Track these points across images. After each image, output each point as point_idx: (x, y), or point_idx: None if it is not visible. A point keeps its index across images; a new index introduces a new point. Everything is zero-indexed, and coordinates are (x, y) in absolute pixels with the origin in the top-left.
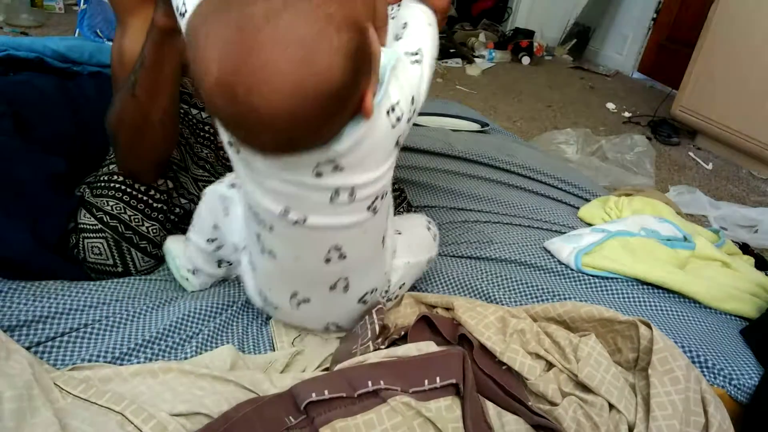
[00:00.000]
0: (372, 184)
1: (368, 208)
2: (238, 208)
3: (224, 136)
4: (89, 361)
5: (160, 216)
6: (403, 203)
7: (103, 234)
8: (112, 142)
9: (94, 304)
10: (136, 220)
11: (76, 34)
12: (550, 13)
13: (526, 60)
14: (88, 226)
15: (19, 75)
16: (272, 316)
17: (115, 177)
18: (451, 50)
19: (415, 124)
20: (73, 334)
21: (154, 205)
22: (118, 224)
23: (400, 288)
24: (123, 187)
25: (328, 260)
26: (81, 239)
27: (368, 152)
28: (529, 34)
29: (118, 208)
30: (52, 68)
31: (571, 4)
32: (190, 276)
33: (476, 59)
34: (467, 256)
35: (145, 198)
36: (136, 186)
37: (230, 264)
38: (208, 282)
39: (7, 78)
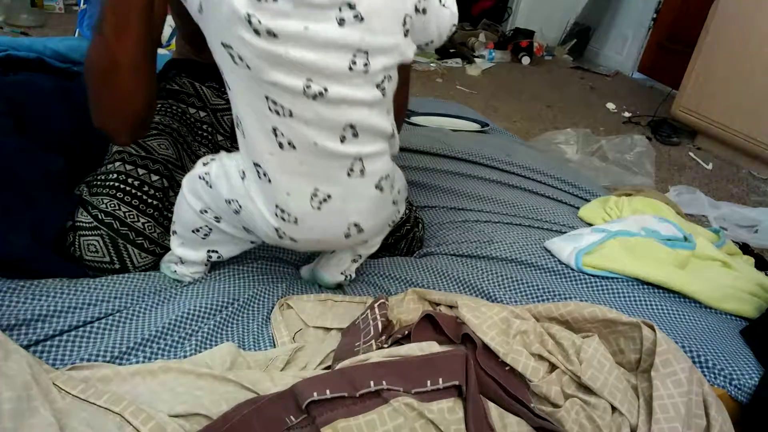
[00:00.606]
0: (385, 53)
1: (378, 86)
2: (220, 177)
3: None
4: (89, 360)
5: (155, 213)
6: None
7: (99, 231)
8: (87, 91)
9: (93, 303)
10: (131, 217)
11: (76, 35)
12: (550, 13)
13: (526, 60)
14: (84, 224)
15: (19, 75)
16: (292, 241)
17: (111, 175)
18: (451, 50)
19: (415, 124)
20: (73, 333)
21: (149, 201)
22: (113, 221)
23: (404, 202)
24: (117, 184)
25: (343, 138)
26: (77, 237)
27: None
28: (529, 34)
29: (112, 205)
30: (53, 68)
31: (571, 4)
32: (178, 267)
33: (476, 59)
34: (468, 255)
35: (139, 194)
36: (130, 181)
37: (218, 254)
38: (199, 270)
39: (6, 77)
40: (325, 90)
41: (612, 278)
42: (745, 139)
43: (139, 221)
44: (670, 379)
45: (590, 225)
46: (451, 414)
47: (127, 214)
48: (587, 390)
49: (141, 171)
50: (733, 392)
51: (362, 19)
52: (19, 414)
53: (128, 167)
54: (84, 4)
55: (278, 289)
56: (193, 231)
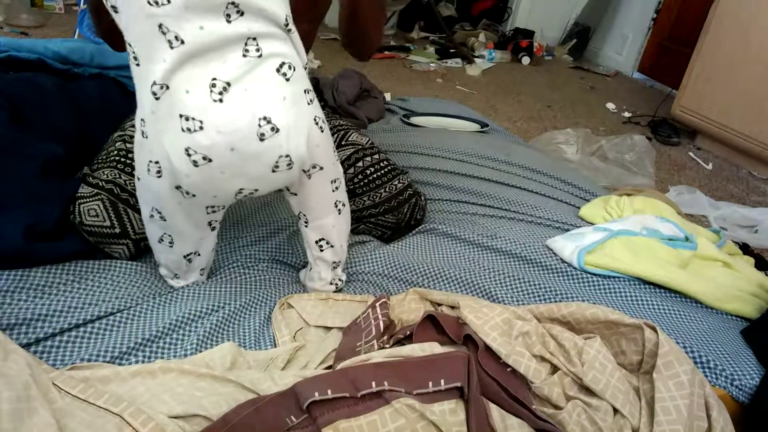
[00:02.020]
0: None
1: None
2: (137, 156)
3: None
4: (89, 360)
5: None
6: (405, 174)
7: (99, 196)
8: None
9: (93, 303)
10: (131, 184)
11: (76, 35)
12: (550, 13)
13: (526, 60)
14: (85, 193)
15: (19, 74)
16: (206, 160)
17: (111, 153)
18: (451, 50)
19: (415, 125)
20: (73, 332)
21: None
22: (113, 187)
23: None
24: (117, 158)
25: (228, 17)
26: (77, 205)
27: None
28: (529, 34)
29: (112, 174)
30: (53, 70)
31: (571, 4)
32: (177, 281)
33: (476, 59)
34: (472, 241)
35: None
36: (130, 156)
37: (197, 254)
38: (196, 273)
39: (6, 75)
40: None
41: (614, 277)
42: (745, 139)
43: None
44: (672, 381)
45: (591, 224)
46: (452, 415)
47: (127, 181)
48: (589, 392)
49: None
50: (734, 393)
51: None
52: (18, 414)
53: (128, 146)
54: (84, 4)
55: (278, 289)
56: (158, 241)
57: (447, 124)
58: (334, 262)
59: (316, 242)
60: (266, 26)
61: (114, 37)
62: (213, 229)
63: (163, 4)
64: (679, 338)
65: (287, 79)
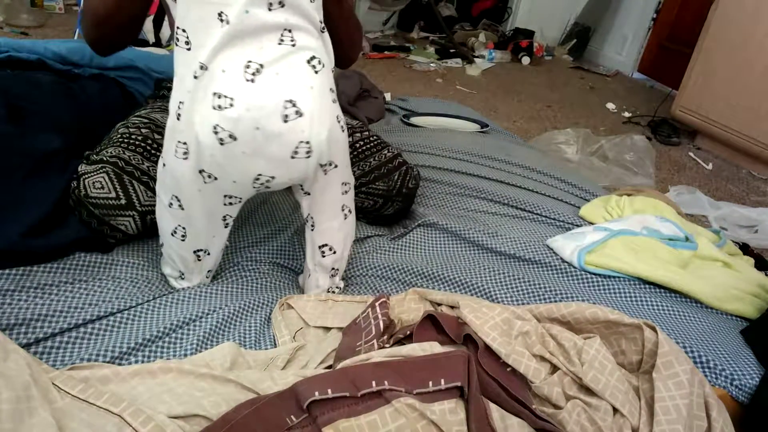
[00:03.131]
0: None
1: None
2: (167, 136)
3: None
4: (89, 360)
5: (157, 161)
6: (394, 147)
7: (104, 169)
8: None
9: (94, 302)
10: (136, 159)
11: (76, 35)
12: (550, 13)
13: (526, 60)
14: (89, 169)
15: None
16: (232, 138)
17: (114, 135)
18: (451, 50)
19: (415, 125)
20: (73, 333)
21: (152, 150)
22: (117, 161)
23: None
24: (121, 139)
25: (270, 5)
26: (81, 181)
27: None
28: (529, 34)
29: (116, 151)
30: (53, 70)
31: (571, 4)
32: (181, 282)
33: (476, 59)
34: (472, 240)
35: (143, 145)
36: (133, 138)
37: (207, 253)
38: (201, 275)
39: (4, 72)
40: None
41: (614, 277)
42: (745, 139)
43: (143, 164)
44: (672, 381)
45: (591, 223)
46: (452, 415)
47: (131, 157)
48: (589, 391)
49: (144, 130)
50: (734, 392)
51: None
52: (18, 414)
53: (132, 129)
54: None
55: (278, 292)
56: (171, 234)
57: (447, 124)
58: (334, 269)
59: (320, 247)
60: (302, 21)
61: (112, 41)
62: (226, 225)
63: None
64: (678, 338)
65: (316, 72)
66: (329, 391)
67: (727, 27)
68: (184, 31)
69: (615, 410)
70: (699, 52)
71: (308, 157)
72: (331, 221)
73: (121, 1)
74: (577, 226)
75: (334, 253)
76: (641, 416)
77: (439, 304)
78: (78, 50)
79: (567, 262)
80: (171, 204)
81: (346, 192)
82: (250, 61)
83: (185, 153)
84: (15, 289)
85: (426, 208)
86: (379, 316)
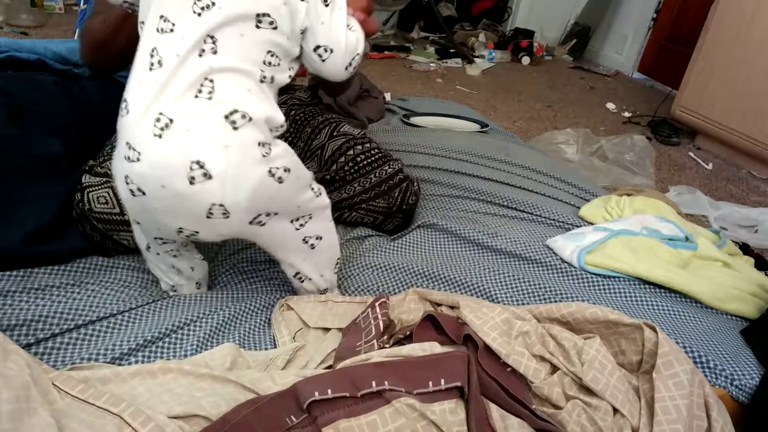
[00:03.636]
0: None
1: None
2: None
3: None
4: (89, 360)
5: None
6: (397, 160)
7: (109, 184)
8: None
9: (95, 304)
10: None
11: (76, 35)
12: (550, 13)
13: (526, 60)
14: (93, 182)
15: (18, 72)
16: (140, 192)
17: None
18: (451, 50)
19: (415, 125)
20: (74, 333)
21: None
22: None
23: (299, 187)
24: None
25: (202, 52)
26: (85, 194)
27: None
28: (529, 34)
29: None
30: (54, 71)
31: (571, 4)
32: (173, 292)
33: (476, 59)
34: (472, 240)
35: None
36: None
37: (175, 269)
38: (192, 286)
39: (4, 73)
40: (212, 4)
41: (614, 277)
42: (745, 139)
43: None
44: (672, 381)
45: (591, 224)
46: (452, 415)
47: None
48: (589, 392)
49: None
50: (734, 393)
51: None
52: (18, 414)
53: None
54: (84, 4)
55: (278, 292)
56: (146, 249)
57: (447, 124)
58: (321, 291)
59: (294, 276)
60: (230, 71)
61: (109, 64)
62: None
63: (165, 32)
64: (678, 338)
65: (234, 128)
66: (329, 391)
67: (727, 27)
68: (135, 62)
69: (615, 410)
70: (699, 52)
71: (226, 217)
72: (294, 256)
73: (119, 25)
74: (577, 226)
75: (311, 279)
76: (641, 416)
77: (439, 305)
78: (78, 50)
79: (567, 262)
80: (134, 220)
81: (302, 225)
82: (161, 114)
83: (132, 192)
84: (16, 290)
85: (426, 210)
86: (379, 316)
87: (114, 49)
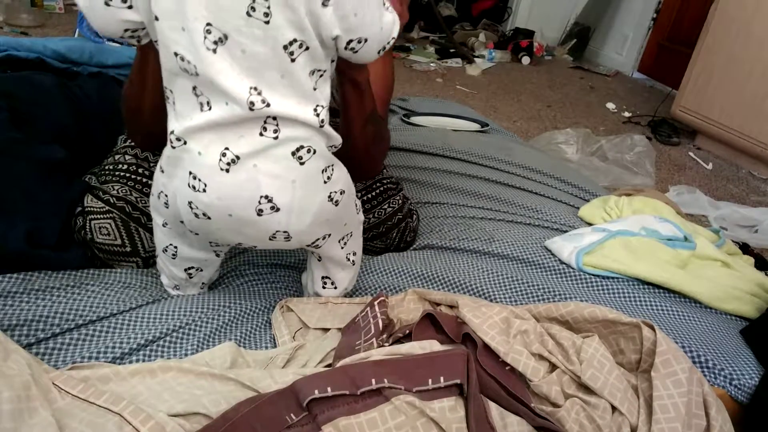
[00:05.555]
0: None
1: (285, 48)
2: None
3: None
4: (89, 360)
5: None
6: (397, 194)
7: (111, 214)
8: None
9: (95, 304)
10: (143, 202)
11: (76, 35)
12: (550, 13)
13: (526, 60)
14: (96, 209)
15: (18, 73)
16: (206, 217)
17: (120, 165)
18: (451, 50)
19: (415, 125)
20: (74, 333)
21: None
22: (125, 205)
23: (351, 211)
24: (127, 174)
25: (251, 104)
26: (88, 221)
27: None
28: (529, 34)
29: (123, 191)
30: (53, 69)
31: (571, 4)
32: (176, 291)
33: (476, 59)
34: (469, 250)
35: (150, 182)
36: (140, 171)
37: (199, 270)
38: (196, 288)
39: (5, 74)
40: (225, 37)
41: (612, 278)
42: (745, 139)
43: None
44: (670, 380)
45: (590, 224)
46: (452, 413)
47: (138, 199)
48: (587, 390)
49: (152, 164)
50: (733, 392)
51: None
52: (18, 414)
53: (140, 160)
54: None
55: (278, 294)
56: (163, 251)
57: (447, 123)
58: (337, 296)
59: (322, 278)
60: (290, 109)
61: (151, 131)
62: (218, 255)
63: (192, 74)
64: (677, 338)
65: (302, 163)
66: (329, 389)
67: (727, 27)
68: (171, 92)
69: (614, 408)
70: (699, 52)
71: (288, 241)
72: (336, 270)
73: (144, 76)
74: (576, 228)
75: (335, 288)
76: (640, 415)
77: (438, 304)
78: (77, 48)
79: (565, 264)
80: (165, 224)
81: (345, 243)
82: (227, 149)
83: (166, 204)
84: (17, 291)
85: (423, 228)
86: (378, 315)
87: (147, 106)
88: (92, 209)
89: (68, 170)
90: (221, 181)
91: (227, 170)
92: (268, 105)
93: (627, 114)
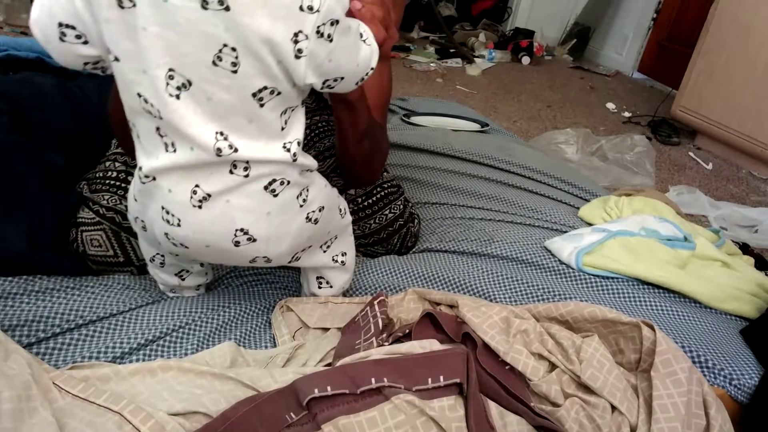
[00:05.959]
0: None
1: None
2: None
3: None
4: (89, 359)
5: None
6: (399, 198)
7: (101, 226)
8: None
9: (96, 305)
10: None
11: None
12: (550, 13)
13: (526, 60)
14: (86, 220)
15: (19, 74)
16: (184, 246)
17: (110, 173)
18: (451, 50)
19: (415, 124)
20: (75, 333)
21: None
22: (114, 215)
23: (335, 227)
24: (117, 183)
25: (219, 150)
26: (80, 233)
27: None
28: (529, 34)
29: (113, 201)
30: (53, 68)
31: (571, 4)
32: (173, 294)
33: (476, 59)
34: (468, 252)
35: None
36: (129, 180)
37: (188, 271)
38: (191, 290)
39: (6, 77)
40: (189, 83)
41: (612, 278)
42: (745, 139)
43: None
44: (670, 379)
45: (590, 225)
46: (452, 412)
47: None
48: (587, 389)
49: None
50: (732, 392)
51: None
52: (19, 414)
53: (129, 167)
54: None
55: (279, 293)
56: (150, 260)
57: (447, 123)
58: (333, 295)
59: (317, 278)
60: (261, 155)
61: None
62: (202, 264)
63: (156, 117)
64: (677, 338)
65: (275, 195)
66: (329, 388)
67: (727, 26)
68: (134, 125)
69: (613, 408)
70: (699, 52)
71: (268, 262)
72: (326, 269)
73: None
74: (575, 228)
75: (331, 287)
76: (639, 414)
77: (438, 304)
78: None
79: (565, 264)
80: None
81: (329, 246)
82: (197, 186)
83: (144, 228)
84: (17, 292)
85: (424, 229)
86: (378, 314)
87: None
88: (84, 221)
89: (68, 176)
90: (195, 217)
91: (200, 207)
92: (236, 150)
93: (627, 114)
